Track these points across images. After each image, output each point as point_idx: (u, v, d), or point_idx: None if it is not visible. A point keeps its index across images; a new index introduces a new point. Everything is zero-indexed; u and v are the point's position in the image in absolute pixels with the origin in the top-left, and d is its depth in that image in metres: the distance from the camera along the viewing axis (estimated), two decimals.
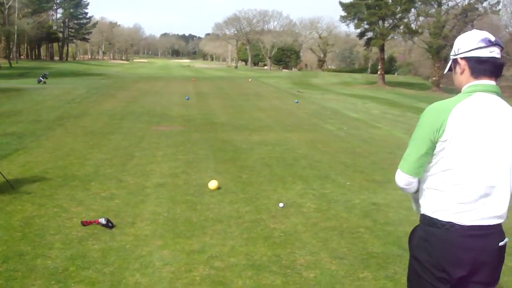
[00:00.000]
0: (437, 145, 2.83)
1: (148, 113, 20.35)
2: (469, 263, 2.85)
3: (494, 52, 2.86)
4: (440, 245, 2.87)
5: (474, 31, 2.97)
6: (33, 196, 7.90)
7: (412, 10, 58.97)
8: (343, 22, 66.94)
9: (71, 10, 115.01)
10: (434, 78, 56.47)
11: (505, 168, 2.84)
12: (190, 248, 5.97)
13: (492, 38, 2.86)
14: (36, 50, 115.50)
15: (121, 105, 23.15)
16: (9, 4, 73.09)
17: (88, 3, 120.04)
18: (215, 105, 25.12)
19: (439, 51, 54.06)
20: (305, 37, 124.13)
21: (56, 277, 5.13)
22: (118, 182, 9.00)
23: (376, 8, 58.78)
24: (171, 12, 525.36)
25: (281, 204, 7.74)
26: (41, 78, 42.25)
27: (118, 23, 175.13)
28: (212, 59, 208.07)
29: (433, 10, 56.50)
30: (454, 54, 3.02)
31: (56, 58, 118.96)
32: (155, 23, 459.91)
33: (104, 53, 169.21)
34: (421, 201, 3.03)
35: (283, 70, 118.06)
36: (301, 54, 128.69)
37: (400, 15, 59.12)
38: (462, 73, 2.98)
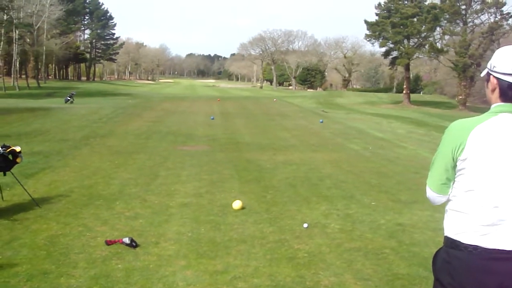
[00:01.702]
0: (457, 164, 2.77)
1: (173, 132, 20.47)
2: (495, 285, 2.70)
3: None
4: (463, 269, 2.77)
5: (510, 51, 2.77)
6: (58, 215, 7.95)
7: (437, 28, 58.71)
8: (368, 41, 66.86)
9: (98, 31, 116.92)
10: (460, 97, 55.97)
11: None
12: (213, 268, 5.94)
13: None
14: (64, 70, 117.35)
15: (147, 125, 23.34)
16: (38, 25, 74.40)
17: (115, 24, 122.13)
18: (240, 125, 25.19)
19: (465, 70, 53.63)
20: (330, 57, 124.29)
21: None
22: (143, 201, 9.02)
23: (401, 27, 58.61)
24: (196, 33, 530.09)
25: (305, 225, 7.68)
26: (68, 97, 42.80)
27: (144, 44, 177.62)
28: (237, 79, 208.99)
29: (459, 28, 56.18)
30: (490, 67, 2.86)
31: (83, 78, 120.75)
32: (181, 44, 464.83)
33: (130, 73, 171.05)
34: (444, 223, 2.96)
35: (308, 90, 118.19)
36: (326, 73, 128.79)
37: (425, 34, 58.85)
38: (493, 91, 2.85)
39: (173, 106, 39.15)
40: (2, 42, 63.63)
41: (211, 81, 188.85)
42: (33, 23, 71.96)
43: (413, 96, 68.99)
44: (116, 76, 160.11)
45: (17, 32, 66.18)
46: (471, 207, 2.74)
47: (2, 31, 62.08)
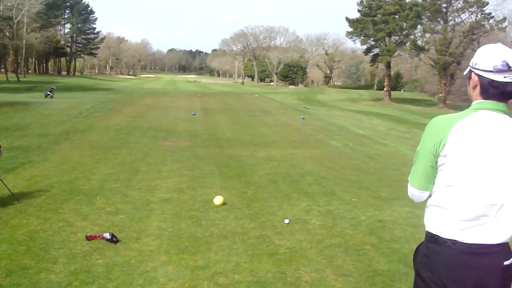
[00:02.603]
0: (438, 160, 2.81)
1: (154, 128, 20.39)
2: (472, 282, 2.77)
3: (509, 78, 2.77)
4: (442, 263, 2.83)
5: (498, 49, 2.85)
6: (38, 210, 7.89)
7: (419, 26, 59.06)
8: (350, 38, 67.25)
9: (79, 25, 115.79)
10: (441, 95, 56.47)
11: (508, 187, 2.76)
12: (194, 264, 5.93)
13: None
14: (44, 64, 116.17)
15: (128, 120, 23.22)
16: (18, 18, 73.58)
17: (96, 18, 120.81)
18: (221, 121, 25.16)
19: (446, 68, 54.06)
20: (312, 53, 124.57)
21: None
22: (123, 197, 8.98)
23: (383, 24, 58.93)
24: (178, 28, 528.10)
25: (286, 221, 7.70)
26: (48, 92, 42.43)
27: (125, 38, 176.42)
28: (219, 75, 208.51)
29: (440, 26, 56.57)
30: (472, 65, 2.93)
31: (64, 72, 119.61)
32: (163, 39, 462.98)
33: (111, 68, 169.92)
34: (425, 218, 2.99)
35: (289, 86, 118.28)
36: (307, 70, 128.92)
37: (406, 31, 59.23)
38: (474, 88, 2.92)
39: (154, 101, 39.02)
40: None
41: (192, 76, 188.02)
42: (12, 16, 71.11)
43: (394, 93, 69.43)
44: (97, 71, 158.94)
45: None
46: (450, 202, 2.79)
47: None
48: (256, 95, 57.23)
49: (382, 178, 11.88)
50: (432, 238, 2.88)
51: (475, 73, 2.89)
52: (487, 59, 2.82)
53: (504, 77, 2.76)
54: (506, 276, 2.82)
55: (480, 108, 2.84)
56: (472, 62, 2.93)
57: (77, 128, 19.36)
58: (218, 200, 8.62)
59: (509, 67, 2.75)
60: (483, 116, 2.80)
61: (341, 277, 5.73)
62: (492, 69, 2.78)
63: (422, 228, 7.41)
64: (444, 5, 55.26)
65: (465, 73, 3.03)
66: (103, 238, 6.54)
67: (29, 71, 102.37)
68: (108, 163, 12.30)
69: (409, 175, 3.00)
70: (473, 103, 2.91)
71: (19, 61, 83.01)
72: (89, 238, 6.57)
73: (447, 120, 2.83)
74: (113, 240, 6.51)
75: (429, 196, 2.93)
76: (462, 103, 61.07)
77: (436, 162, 2.83)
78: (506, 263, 2.78)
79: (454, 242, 2.77)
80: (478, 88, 2.88)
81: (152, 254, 6.21)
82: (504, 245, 2.80)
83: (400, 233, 7.52)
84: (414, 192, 2.98)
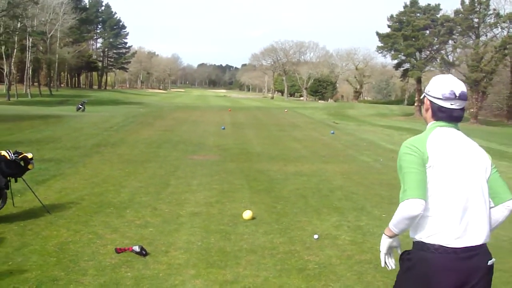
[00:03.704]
0: (427, 170, 3.08)
1: (184, 142, 20.49)
2: (461, 284, 3.03)
3: (455, 105, 3.24)
4: (432, 268, 3.03)
5: (447, 80, 3.31)
6: (69, 222, 7.96)
7: (450, 41, 58.57)
8: (380, 53, 67.09)
9: (111, 40, 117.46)
10: (472, 110, 55.69)
11: (478, 190, 3.11)
12: (223, 278, 5.91)
13: (458, 92, 3.22)
14: (76, 78, 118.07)
15: (158, 134, 23.39)
16: (51, 33, 74.93)
17: (128, 33, 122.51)
18: (250, 135, 25.18)
19: (477, 83, 53.41)
20: (342, 68, 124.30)
21: None
22: (153, 210, 9.02)
23: (413, 39, 58.58)
24: (208, 43, 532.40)
25: (315, 236, 7.64)
26: (79, 106, 43.05)
27: (156, 53, 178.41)
28: (249, 90, 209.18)
29: (471, 41, 56.02)
30: (426, 91, 3.38)
31: (95, 86, 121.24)
32: (193, 53, 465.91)
33: (142, 82, 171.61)
34: (411, 227, 3.20)
35: (319, 101, 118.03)
36: (337, 85, 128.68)
37: (437, 46, 58.76)
38: (426, 111, 3.38)
39: (184, 115, 39.27)
40: (15, 50, 64.07)
41: (222, 91, 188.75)
42: (46, 31, 72.51)
43: None
44: (127, 85, 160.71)
45: (30, 40, 66.70)
46: (435, 210, 3.05)
47: (16, 39, 62.52)
48: (285, 110, 57.22)
49: None
50: (421, 246, 3.12)
51: (427, 99, 3.36)
52: (437, 87, 3.29)
53: (451, 104, 3.23)
54: (489, 274, 3.13)
55: (436, 127, 3.28)
56: (426, 89, 3.40)
57: (108, 141, 19.56)
58: (247, 214, 8.60)
59: (456, 96, 3.22)
60: (443, 132, 3.25)
61: None
62: (441, 97, 3.25)
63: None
64: (476, 20, 54.75)
65: (421, 97, 3.50)
66: (132, 251, 6.56)
67: (62, 85, 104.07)
68: (138, 176, 12.38)
69: (401, 194, 3.08)
70: (429, 124, 3.36)
71: (52, 75, 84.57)
72: (118, 251, 6.59)
73: (418, 139, 3.22)
74: (142, 253, 6.53)
75: None
76: (493, 119, 60.39)
77: (426, 173, 3.08)
78: (489, 262, 3.11)
79: (440, 247, 3.02)
80: (430, 111, 3.35)
81: (180, 267, 6.21)
82: (485, 245, 3.12)
83: None
84: (416, 204, 2.98)
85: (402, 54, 62.29)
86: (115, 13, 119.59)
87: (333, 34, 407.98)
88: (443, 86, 3.27)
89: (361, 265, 6.55)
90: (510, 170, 17.77)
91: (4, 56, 61.08)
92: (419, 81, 64.25)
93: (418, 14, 61.17)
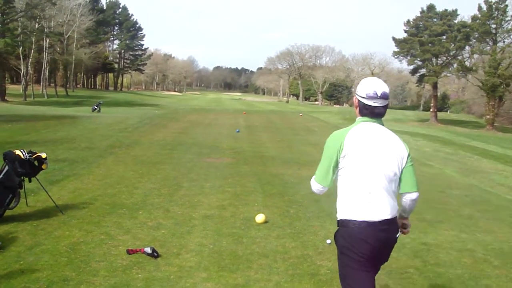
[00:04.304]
0: (340, 160, 3.83)
1: (199, 144, 20.47)
2: (376, 251, 3.78)
3: (377, 103, 3.86)
4: (359, 240, 3.74)
5: (371, 82, 3.93)
6: (81, 222, 7.96)
7: (466, 47, 58.14)
8: (396, 58, 66.59)
9: (127, 42, 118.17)
10: (488, 117, 55.25)
11: (384, 176, 3.78)
12: (234, 282, 5.87)
13: (380, 92, 3.84)
14: (92, 79, 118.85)
15: (172, 136, 23.40)
16: (68, 34, 75.46)
17: (144, 35, 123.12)
18: (265, 139, 25.11)
19: (494, 90, 52.94)
20: (357, 73, 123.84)
21: None
22: (166, 212, 9.00)
23: (430, 45, 58.23)
24: (224, 46, 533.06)
25: (328, 241, 7.56)
26: (95, 107, 43.31)
27: (172, 55, 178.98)
28: (264, 93, 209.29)
29: (488, 47, 55.58)
30: (356, 91, 4.00)
31: (111, 88, 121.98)
32: (209, 56, 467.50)
33: (158, 84, 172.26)
34: (337, 208, 3.93)
35: (334, 105, 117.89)
36: (352, 89, 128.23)
37: (454, 52, 58.34)
38: (356, 108, 4.02)
39: (199, 118, 39.29)
40: (32, 50, 64.65)
41: (237, 94, 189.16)
42: (63, 32, 73.10)
43: (440, 114, 68.42)
44: (143, 87, 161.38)
45: (47, 40, 67.26)
46: (351, 192, 3.80)
47: (33, 40, 63.06)
48: (300, 114, 57.10)
49: (427, 200, 11.59)
50: (343, 223, 3.85)
51: (356, 97, 4.00)
52: (363, 88, 3.91)
53: (374, 102, 3.86)
54: (392, 246, 3.97)
55: (361, 121, 3.94)
56: (356, 89, 3.98)
57: (122, 142, 19.60)
58: (260, 218, 8.55)
59: (377, 95, 3.84)
60: (365, 126, 3.91)
61: None
62: (365, 96, 3.88)
63: (468, 252, 7.19)
64: (494, 26, 54.33)
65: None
66: (144, 252, 6.54)
67: (78, 86, 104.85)
68: (152, 178, 12.37)
69: (314, 175, 4.00)
70: (357, 119, 3.99)
71: (68, 75, 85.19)
72: (130, 252, 6.57)
73: (341, 132, 3.92)
74: (154, 255, 6.50)
75: (338, 191, 3.91)
76: (510, 125, 59.88)
77: (337, 163, 3.84)
78: (397, 235, 3.94)
79: (360, 222, 3.74)
80: (358, 109, 3.98)
81: (192, 270, 6.18)
82: (394, 221, 3.88)
83: (445, 257, 7.33)
84: (318, 187, 3.99)
85: (419, 59, 61.86)
86: (132, 15, 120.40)
87: (350, 39, 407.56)
88: (368, 87, 3.88)
89: None
90: None
91: (21, 56, 61.65)
92: (435, 86, 63.84)
93: (435, 20, 60.73)
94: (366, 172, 3.75)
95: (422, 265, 6.88)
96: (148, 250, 6.54)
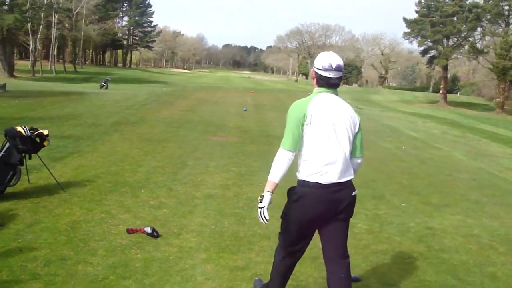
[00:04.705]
0: (303, 128, 4.15)
1: (205, 122, 20.35)
2: (334, 207, 4.23)
3: (332, 74, 4.22)
4: (311, 200, 4.19)
5: (326, 55, 4.29)
6: (82, 200, 7.89)
7: (478, 29, 57.46)
8: (406, 39, 65.99)
9: (136, 18, 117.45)
10: (498, 100, 54.68)
11: (341, 142, 4.19)
12: (234, 264, 5.79)
13: (335, 64, 4.19)
14: (101, 56, 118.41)
15: (179, 114, 23.29)
16: (77, 10, 75.13)
17: (153, 12, 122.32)
18: (272, 118, 24.93)
19: (505, 73, 52.31)
20: (367, 53, 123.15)
21: (96, 285, 5.05)
22: (168, 191, 8.91)
23: (441, 25, 57.60)
24: (234, 24, 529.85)
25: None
26: (103, 83, 43.28)
27: (181, 33, 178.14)
28: (273, 72, 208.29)
29: (500, 29, 54.91)
30: (313, 64, 4.33)
31: (120, 64, 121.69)
32: (218, 34, 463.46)
33: (166, 61, 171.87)
34: (298, 169, 4.29)
35: (344, 85, 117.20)
36: (362, 70, 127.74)
37: (465, 33, 57.69)
38: (313, 79, 4.38)
39: (206, 95, 39.14)
40: (41, 26, 64.36)
41: (246, 72, 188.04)
42: (72, 8, 72.68)
43: (450, 96, 67.83)
44: (152, 64, 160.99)
45: (56, 16, 66.91)
46: (312, 155, 4.17)
47: (42, 15, 62.76)
48: (309, 93, 56.60)
49: (433, 183, 11.49)
50: (302, 183, 4.24)
51: (313, 70, 4.32)
52: (320, 60, 4.28)
53: (329, 74, 4.22)
54: (353, 203, 4.42)
55: (319, 92, 4.30)
56: (314, 62, 4.32)
57: (128, 119, 19.51)
58: None
59: (332, 67, 4.19)
60: (323, 96, 4.27)
61: (385, 286, 5.51)
62: (321, 68, 4.24)
63: (474, 238, 7.05)
64: (507, 7, 53.62)
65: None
66: (144, 232, 6.46)
67: (87, 62, 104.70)
68: (156, 156, 12.28)
69: (281, 142, 4.21)
70: (314, 90, 4.36)
71: (77, 52, 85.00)
72: (130, 232, 6.50)
73: (303, 102, 4.25)
74: (154, 234, 6.43)
75: (299, 154, 4.23)
76: None
77: (302, 130, 4.15)
78: (353, 193, 4.37)
79: (317, 183, 4.15)
80: (315, 80, 4.34)
81: (192, 251, 6.10)
82: (350, 181, 4.32)
83: (450, 242, 7.20)
84: (287, 155, 4.19)
85: (429, 40, 61.26)
86: None
87: (360, 18, 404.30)
88: (323, 60, 4.24)
89: (377, 256, 6.39)
90: None
91: (30, 32, 61.43)
92: (445, 68, 63.30)
93: (447, 0, 60.04)
94: (327, 138, 4.15)
95: (426, 250, 6.75)
96: (148, 230, 6.46)
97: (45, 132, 8.44)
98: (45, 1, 61.10)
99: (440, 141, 20.94)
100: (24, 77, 51.82)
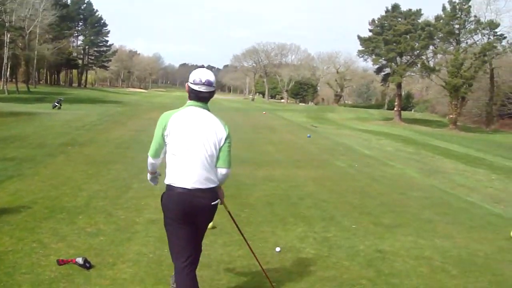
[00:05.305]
0: (165, 138, 4.59)
1: None
2: (190, 214, 4.58)
3: (201, 88, 4.60)
4: (173, 200, 4.57)
5: (198, 71, 4.67)
6: (14, 229, 7.38)
7: (430, 47, 58.48)
8: (361, 57, 66.90)
9: (92, 38, 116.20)
10: (451, 116, 55.69)
11: (199, 152, 4.54)
12: None
13: (204, 79, 4.59)
14: (56, 75, 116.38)
15: (130, 134, 22.75)
16: (30, 29, 73.78)
17: (109, 31, 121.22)
18: None
19: (457, 90, 53.35)
20: (323, 71, 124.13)
21: None
22: (108, 216, 8.46)
23: (394, 44, 58.40)
24: (190, 43, 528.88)
25: (277, 249, 7.15)
26: (56, 103, 42.43)
27: (137, 52, 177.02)
28: (230, 91, 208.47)
29: (452, 47, 55.98)
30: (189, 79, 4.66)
31: (75, 84, 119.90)
32: (175, 53, 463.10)
33: (123, 81, 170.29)
34: (165, 174, 4.65)
35: (300, 104, 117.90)
36: (318, 88, 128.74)
37: (418, 51, 58.63)
38: (187, 92, 4.71)
39: (160, 115, 38.48)
40: None
41: None
42: (25, 27, 71.29)
43: (404, 113, 68.75)
44: (108, 84, 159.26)
45: (8, 35, 65.52)
46: (173, 163, 4.59)
47: None
48: (264, 112, 56.75)
49: (385, 203, 11.29)
50: (167, 187, 4.62)
51: (187, 84, 4.67)
52: (193, 76, 4.64)
53: (198, 87, 4.60)
54: (212, 211, 4.76)
55: (189, 105, 4.68)
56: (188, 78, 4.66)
57: (76, 140, 18.90)
58: None
59: (202, 82, 4.59)
60: (190, 109, 4.65)
61: None
62: (192, 82, 4.62)
63: (426, 261, 6.79)
64: (457, 26, 54.74)
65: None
66: (76, 263, 6.02)
67: (41, 82, 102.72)
68: (100, 179, 11.78)
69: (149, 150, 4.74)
70: (187, 102, 4.71)
71: (30, 71, 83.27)
72: (60, 263, 6.05)
73: (169, 113, 4.64)
74: (86, 265, 6.00)
75: (166, 162, 4.65)
76: (472, 125, 60.49)
77: (164, 140, 4.60)
78: (213, 203, 4.66)
79: (177, 187, 4.53)
80: (188, 93, 4.69)
81: (125, 283, 5.69)
82: (211, 189, 4.62)
83: (401, 265, 6.94)
84: (149, 160, 4.84)
85: (383, 58, 62.12)
86: (97, 10, 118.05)
87: (315, 37, 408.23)
88: (195, 75, 4.62)
89: (323, 283, 6.07)
90: (486, 177, 17.51)
91: None
92: (399, 86, 64.22)
93: (400, 19, 61.01)
94: (184, 148, 4.52)
95: (376, 276, 6.47)
96: (79, 260, 6.02)
97: None
98: None
99: (393, 158, 20.91)
100: None
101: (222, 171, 4.70)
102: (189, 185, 4.50)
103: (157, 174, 5.18)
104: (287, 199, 10.85)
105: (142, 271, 6.06)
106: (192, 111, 4.64)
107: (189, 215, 4.58)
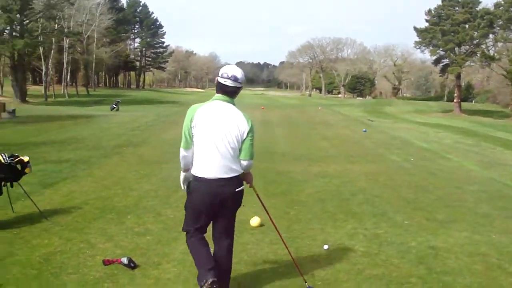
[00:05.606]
0: (192, 130, 4.81)
1: None
2: (217, 199, 4.86)
3: (227, 82, 4.87)
4: (199, 191, 4.88)
5: (227, 66, 5.00)
6: (64, 229, 7.48)
7: (490, 35, 56.78)
8: (418, 48, 65.52)
9: (148, 40, 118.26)
10: None
11: (223, 144, 4.79)
12: None
13: (230, 74, 4.87)
14: (114, 78, 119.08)
15: None
16: (88, 34, 75.57)
17: (165, 32, 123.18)
18: (279, 134, 24.53)
19: None
20: (380, 65, 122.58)
21: None
22: (157, 216, 8.48)
23: (452, 34, 56.99)
24: (246, 41, 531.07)
25: (325, 246, 6.98)
26: (113, 105, 43.28)
27: (194, 52, 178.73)
28: (287, 88, 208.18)
29: None
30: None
31: (133, 86, 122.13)
32: (231, 52, 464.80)
33: (180, 81, 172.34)
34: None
35: (357, 98, 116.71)
36: (375, 81, 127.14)
37: (477, 41, 57.02)
38: (216, 86, 4.98)
39: None
40: (53, 51, 64.81)
41: (259, 89, 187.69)
42: (83, 32, 73.19)
43: (465, 104, 67.07)
44: (166, 84, 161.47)
45: (67, 41, 67.31)
46: (200, 154, 4.84)
47: (53, 40, 63.17)
48: (319, 108, 56.35)
49: (441, 197, 10.93)
50: (195, 177, 4.90)
51: (217, 78, 4.95)
52: (222, 70, 4.93)
53: (224, 81, 4.88)
54: (237, 197, 5.00)
55: (215, 99, 4.94)
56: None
57: (131, 141, 19.18)
58: (255, 221, 7.99)
59: (228, 76, 4.86)
60: (216, 103, 4.91)
61: None
62: (220, 76, 4.91)
63: (481, 257, 6.46)
64: None
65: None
66: (121, 263, 6.03)
67: (100, 85, 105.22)
68: (151, 178, 11.87)
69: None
70: (214, 96, 4.95)
71: (89, 75, 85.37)
72: (106, 263, 6.08)
73: (196, 106, 4.88)
74: (131, 265, 6.00)
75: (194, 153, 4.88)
76: None
77: (191, 131, 4.82)
78: (237, 190, 4.91)
79: (203, 178, 4.82)
80: (216, 87, 4.97)
81: (169, 282, 5.66)
82: (234, 178, 4.88)
83: (454, 263, 6.63)
84: (183, 152, 4.98)
85: (441, 49, 60.70)
86: (152, 12, 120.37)
87: (371, 31, 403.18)
88: (224, 70, 4.94)
89: (371, 282, 5.86)
90: None
91: (42, 57, 61.82)
92: (458, 76, 62.66)
93: (457, 8, 59.48)
94: (208, 139, 4.77)
95: (427, 273, 6.20)
96: (124, 260, 6.03)
97: (26, 158, 8.06)
98: (56, 26, 61.49)
99: (451, 151, 20.36)
100: (36, 102, 52.06)
101: (244, 162, 4.94)
102: (212, 175, 4.77)
103: (190, 177, 5.08)
104: (338, 195, 10.64)
105: (187, 271, 6.01)
106: (218, 104, 4.89)
107: (214, 205, 4.89)
